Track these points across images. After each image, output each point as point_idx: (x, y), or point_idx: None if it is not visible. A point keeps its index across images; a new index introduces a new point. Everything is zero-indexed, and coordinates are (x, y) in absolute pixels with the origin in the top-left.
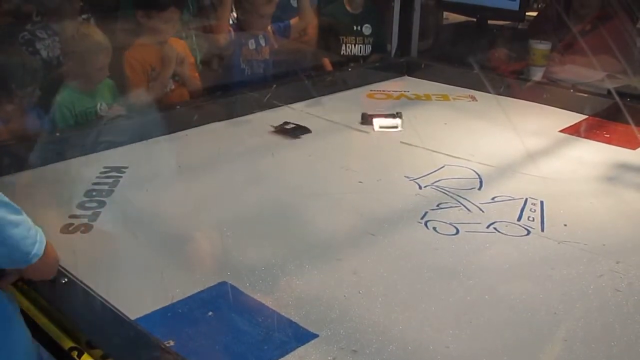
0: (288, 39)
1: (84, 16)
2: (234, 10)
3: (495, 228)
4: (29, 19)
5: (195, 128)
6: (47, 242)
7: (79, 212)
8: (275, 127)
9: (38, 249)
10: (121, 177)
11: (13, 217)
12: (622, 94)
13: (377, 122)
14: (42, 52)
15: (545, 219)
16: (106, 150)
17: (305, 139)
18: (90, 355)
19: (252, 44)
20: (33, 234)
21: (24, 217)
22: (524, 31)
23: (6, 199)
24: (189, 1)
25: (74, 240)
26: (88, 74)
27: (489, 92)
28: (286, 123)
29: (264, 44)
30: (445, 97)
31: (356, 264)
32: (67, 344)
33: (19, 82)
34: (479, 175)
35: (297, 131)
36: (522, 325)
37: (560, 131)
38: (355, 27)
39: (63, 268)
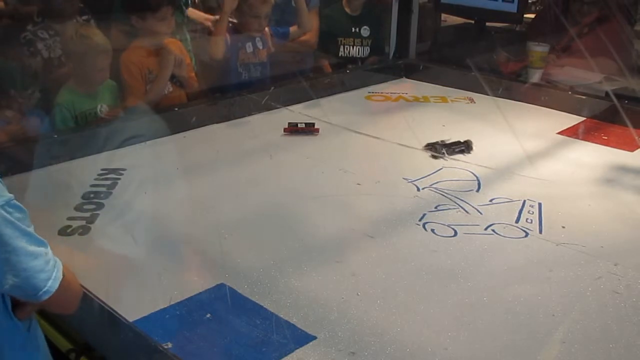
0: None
1: (84, 17)
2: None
3: (493, 230)
4: (30, 20)
5: (194, 130)
6: (67, 277)
7: (76, 214)
8: (286, 128)
9: (51, 285)
10: (119, 179)
11: (33, 248)
12: (620, 96)
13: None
14: (43, 53)
15: (543, 221)
16: (104, 152)
17: (304, 140)
18: (88, 357)
19: (249, 47)
20: (50, 269)
21: (44, 250)
22: (522, 33)
23: (29, 230)
24: (183, 3)
25: (71, 243)
26: (88, 75)
27: (487, 94)
28: (295, 123)
29: (261, 47)
30: (443, 99)
31: (354, 265)
32: (65, 346)
33: (18, 83)
34: (477, 177)
35: (307, 129)
36: (521, 327)
37: (558, 133)
38: (353, 29)
39: None
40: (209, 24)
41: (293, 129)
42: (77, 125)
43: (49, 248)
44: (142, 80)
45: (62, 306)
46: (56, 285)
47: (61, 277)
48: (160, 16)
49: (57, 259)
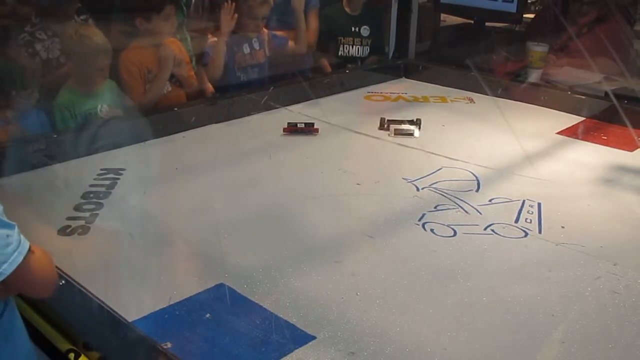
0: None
1: (82, 17)
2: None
3: (492, 230)
4: (28, 21)
5: (193, 130)
6: (39, 261)
7: (76, 214)
8: (286, 128)
9: (5, 269)
10: (118, 179)
11: None
12: (619, 96)
13: (394, 128)
14: (41, 54)
15: (542, 221)
16: (103, 152)
17: (303, 140)
18: (87, 357)
19: (246, 48)
20: (8, 252)
21: (6, 232)
22: (521, 33)
23: None
24: (184, 3)
25: (71, 242)
26: (88, 75)
27: (487, 94)
28: (295, 123)
29: (257, 47)
30: (442, 99)
31: (354, 266)
32: (64, 346)
33: (18, 84)
34: (476, 177)
35: (307, 129)
36: (520, 327)
37: (558, 133)
38: (353, 29)
39: (60, 270)
40: None
41: (292, 129)
42: (77, 125)
43: (14, 231)
44: (142, 80)
45: (30, 289)
46: (11, 269)
47: (20, 261)
48: (164, 16)
49: (24, 242)
